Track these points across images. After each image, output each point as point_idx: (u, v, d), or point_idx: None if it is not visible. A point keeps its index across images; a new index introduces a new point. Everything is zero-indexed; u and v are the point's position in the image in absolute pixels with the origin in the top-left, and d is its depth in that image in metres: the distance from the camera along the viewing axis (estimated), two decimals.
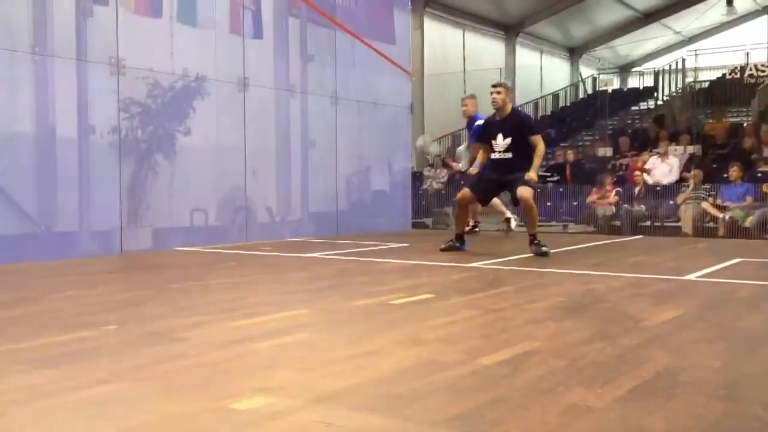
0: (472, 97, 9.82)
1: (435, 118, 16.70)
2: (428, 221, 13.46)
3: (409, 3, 13.57)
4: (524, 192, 7.12)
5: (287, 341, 3.29)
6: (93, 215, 7.66)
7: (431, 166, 15.34)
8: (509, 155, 7.31)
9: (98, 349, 3.17)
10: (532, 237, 7.22)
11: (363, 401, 2.39)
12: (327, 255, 7.38)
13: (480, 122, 8.34)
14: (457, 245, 7.65)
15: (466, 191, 7.66)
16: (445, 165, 9.12)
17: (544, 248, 7.05)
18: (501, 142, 7.36)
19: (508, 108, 7.47)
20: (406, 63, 12.11)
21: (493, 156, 7.47)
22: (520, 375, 2.68)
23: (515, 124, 7.35)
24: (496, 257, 7.01)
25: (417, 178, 14.57)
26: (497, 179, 7.47)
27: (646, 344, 3.20)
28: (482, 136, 7.75)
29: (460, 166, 8.74)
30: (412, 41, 14.78)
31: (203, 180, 8.86)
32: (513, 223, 9.42)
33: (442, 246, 7.69)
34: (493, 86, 7.48)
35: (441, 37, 17.52)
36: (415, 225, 12.44)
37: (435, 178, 14.86)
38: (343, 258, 7.15)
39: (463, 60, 18.00)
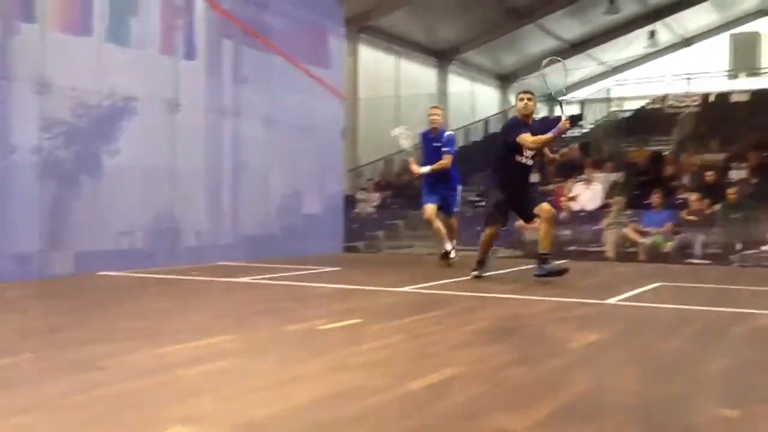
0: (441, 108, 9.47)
1: (368, 143, 16.80)
2: (360, 245, 13.49)
3: (344, 28, 13.68)
4: (548, 205, 7.12)
5: (211, 368, 3.23)
6: (11, 238, 7.38)
7: (364, 189, 15.40)
8: (531, 162, 7.15)
9: (16, 378, 3.06)
10: (545, 256, 6.97)
11: (287, 429, 2.36)
12: (257, 279, 7.30)
13: (450, 133, 8.91)
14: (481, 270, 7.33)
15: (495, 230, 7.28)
16: (407, 169, 9.06)
17: (557, 265, 7.03)
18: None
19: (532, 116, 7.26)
20: (340, 87, 12.18)
21: (519, 160, 7.02)
22: (445, 400, 2.70)
23: (540, 131, 7.06)
24: (428, 281, 7.06)
25: (349, 201, 14.60)
26: (512, 192, 7.06)
27: (567, 368, 3.28)
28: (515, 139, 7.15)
29: (427, 169, 8.59)
30: (346, 66, 14.88)
31: (130, 202, 8.65)
32: (453, 254, 8.68)
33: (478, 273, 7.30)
34: (525, 92, 7.20)
35: (375, 62, 17.68)
36: (347, 249, 12.43)
37: (368, 202, 14.93)
38: (273, 282, 7.09)
39: (397, 85, 18.21)
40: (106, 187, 8.27)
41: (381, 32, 17.40)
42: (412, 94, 17.81)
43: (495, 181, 7.20)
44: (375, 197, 15.02)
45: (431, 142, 8.67)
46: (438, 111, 8.98)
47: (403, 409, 2.59)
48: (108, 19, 8.60)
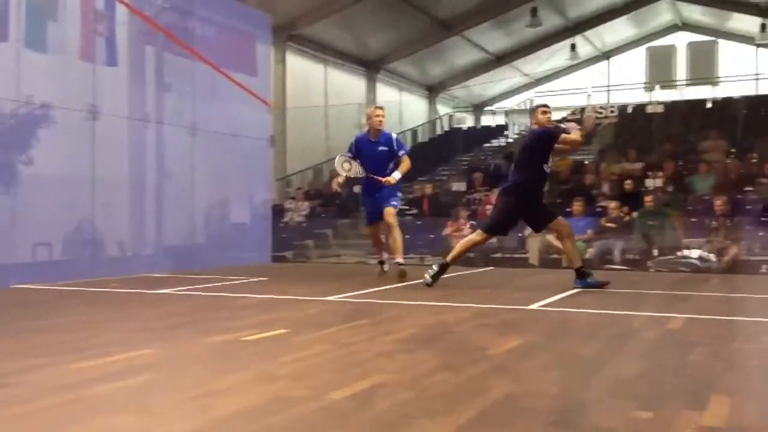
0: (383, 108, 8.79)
1: (297, 151, 16.74)
2: (289, 254, 13.40)
3: (271, 36, 13.60)
4: (565, 220, 7.49)
5: (130, 383, 3.15)
6: None
7: (293, 198, 15.32)
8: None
9: None
10: (583, 269, 7.16)
11: None
12: (181, 291, 7.16)
13: (392, 133, 8.38)
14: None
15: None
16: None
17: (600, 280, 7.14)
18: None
19: None
20: (267, 95, 12.09)
21: (545, 169, 7.10)
22: (369, 409, 2.71)
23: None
24: (355, 290, 7.07)
25: (278, 211, 14.49)
26: (529, 203, 7.09)
27: (489, 373, 3.33)
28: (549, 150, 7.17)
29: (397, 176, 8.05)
30: (273, 74, 14.79)
31: (48, 212, 8.36)
32: (386, 267, 8.57)
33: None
34: (546, 105, 7.33)
35: (303, 71, 17.65)
36: (275, 258, 12.32)
37: (296, 211, 14.86)
38: (198, 293, 6.96)
39: (325, 94, 18.21)
40: (22, 196, 7.99)
41: (309, 41, 17.38)
42: (340, 104, 17.86)
43: (516, 192, 7.07)
44: (304, 206, 14.96)
45: (374, 147, 8.13)
46: (382, 112, 8.30)
47: (327, 419, 2.58)
48: (25, 24, 8.33)
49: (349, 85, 19.24)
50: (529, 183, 7.06)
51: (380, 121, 8.16)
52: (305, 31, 16.81)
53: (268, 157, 12.54)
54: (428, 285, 7.07)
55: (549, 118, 7.23)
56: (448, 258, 7.29)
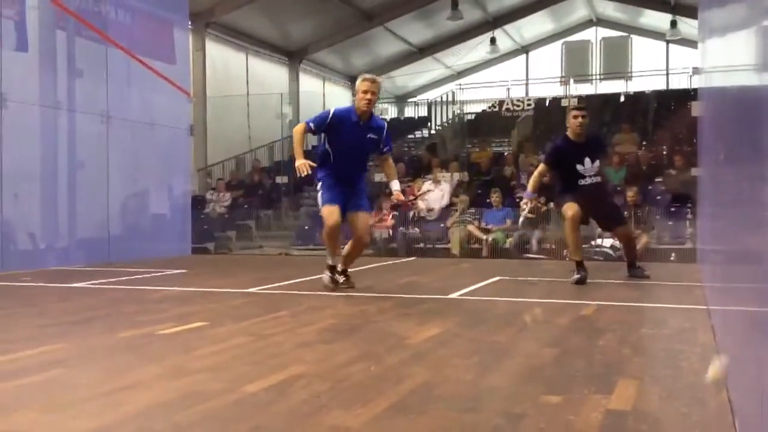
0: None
1: (218, 141, 16.44)
2: (210, 246, 13.18)
3: (189, 23, 13.29)
4: (626, 229, 7.33)
5: (37, 380, 3.04)
6: None
7: (214, 189, 15.06)
8: (599, 179, 6.88)
9: None
10: (632, 263, 7.30)
11: None
12: (95, 284, 6.94)
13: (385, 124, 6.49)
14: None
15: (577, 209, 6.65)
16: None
17: (646, 272, 7.21)
18: (590, 166, 6.78)
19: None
20: (186, 84, 11.82)
21: (582, 183, 6.77)
22: (285, 400, 2.69)
23: (597, 146, 7.01)
24: (277, 282, 7.01)
25: (199, 201, 14.22)
26: (593, 205, 6.84)
27: (407, 362, 3.36)
28: (559, 161, 6.88)
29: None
30: (193, 62, 14.47)
31: None
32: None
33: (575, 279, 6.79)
34: (581, 108, 7.02)
35: (224, 59, 17.33)
36: (196, 250, 12.10)
37: (218, 202, 14.61)
38: (113, 287, 6.77)
39: (247, 83, 17.94)
40: None
41: (229, 28, 17.08)
42: (263, 93, 17.63)
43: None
44: (226, 197, 14.72)
45: (361, 132, 6.13)
46: (375, 87, 6.16)
47: (240, 413, 2.55)
48: None
49: (271, 74, 19.01)
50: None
51: (369, 101, 6.10)
52: (225, 19, 16.49)
53: (188, 147, 12.28)
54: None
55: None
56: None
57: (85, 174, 9.94)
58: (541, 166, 7.05)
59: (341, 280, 6.31)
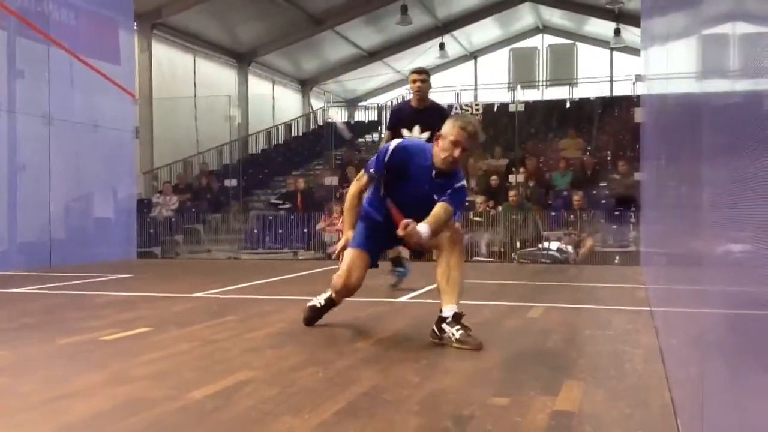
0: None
1: (165, 144, 16.16)
2: (157, 250, 12.94)
3: (135, 23, 13.06)
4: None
5: None
6: None
7: (161, 192, 14.79)
8: None
9: None
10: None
11: None
12: (35, 289, 6.74)
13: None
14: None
15: None
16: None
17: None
18: (417, 134, 6.26)
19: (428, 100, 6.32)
20: (131, 85, 11.60)
21: None
22: (231, 407, 2.65)
23: (434, 117, 5.89)
24: (224, 286, 6.92)
25: (145, 205, 13.96)
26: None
27: (355, 366, 3.35)
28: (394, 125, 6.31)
29: None
30: (138, 63, 14.21)
31: None
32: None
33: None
34: (420, 72, 6.29)
35: (170, 61, 17.06)
36: (142, 254, 11.87)
37: (165, 206, 14.35)
38: (54, 292, 6.58)
39: (194, 85, 17.69)
40: None
41: (176, 30, 16.82)
42: (210, 95, 17.41)
43: None
44: (173, 200, 14.48)
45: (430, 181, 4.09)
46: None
47: (184, 420, 2.50)
48: None
49: (219, 76, 18.79)
50: None
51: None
52: (172, 20, 16.24)
53: (133, 150, 12.05)
54: None
55: (418, 86, 6.20)
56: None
57: (26, 177, 9.67)
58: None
59: (457, 335, 3.89)
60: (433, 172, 3.98)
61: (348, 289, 4.25)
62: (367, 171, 4.13)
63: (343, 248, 4.28)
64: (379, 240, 4.27)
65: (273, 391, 2.88)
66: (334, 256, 4.56)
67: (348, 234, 4.28)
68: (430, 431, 2.39)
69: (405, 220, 3.75)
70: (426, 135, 6.06)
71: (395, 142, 4.13)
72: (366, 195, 4.30)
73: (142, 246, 12.22)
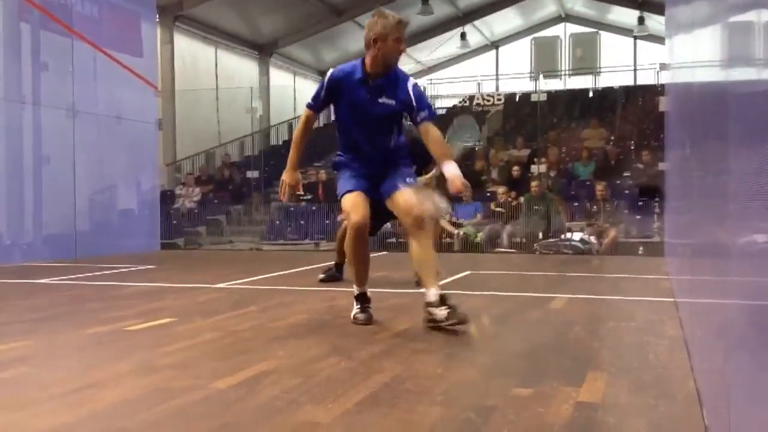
0: None
1: (187, 135, 16.25)
2: (180, 241, 13.05)
3: (157, 16, 13.12)
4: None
5: (1, 377, 2.97)
6: None
7: (183, 184, 14.90)
8: None
9: None
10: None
11: None
12: (61, 280, 6.83)
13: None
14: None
15: None
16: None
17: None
18: None
19: None
20: (154, 77, 11.67)
21: None
22: (254, 396, 2.67)
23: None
24: (247, 276, 6.96)
25: (168, 197, 14.07)
26: None
27: (377, 356, 3.36)
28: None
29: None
30: (161, 55, 14.29)
31: None
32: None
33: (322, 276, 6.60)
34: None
35: (192, 53, 17.13)
36: (165, 246, 11.97)
37: (187, 197, 14.46)
38: (79, 283, 6.66)
39: (216, 77, 17.76)
40: None
41: (198, 22, 16.88)
42: (232, 87, 17.47)
43: None
44: (195, 192, 14.58)
45: (366, 93, 4.26)
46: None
47: (208, 409, 2.52)
48: None
49: (240, 68, 18.84)
50: None
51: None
52: (194, 12, 16.30)
53: (156, 142, 12.13)
54: None
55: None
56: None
57: (50, 169, 9.78)
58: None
59: (444, 314, 3.98)
60: (370, 80, 4.17)
61: (359, 227, 4.13)
62: (308, 105, 4.35)
63: (288, 187, 4.35)
64: (363, 181, 4.28)
65: (296, 381, 2.89)
66: (278, 198, 4.67)
67: (290, 174, 4.36)
68: (453, 422, 2.39)
69: (456, 185, 3.99)
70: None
71: (330, 71, 4.30)
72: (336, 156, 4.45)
73: (166, 237, 12.32)
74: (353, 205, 4.16)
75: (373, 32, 4.14)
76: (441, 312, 3.96)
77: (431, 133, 4.13)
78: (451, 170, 4.02)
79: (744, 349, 1.61)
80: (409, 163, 4.44)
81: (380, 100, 4.20)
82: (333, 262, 6.73)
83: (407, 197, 4.15)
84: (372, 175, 4.28)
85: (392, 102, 4.20)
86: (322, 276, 6.63)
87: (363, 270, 4.36)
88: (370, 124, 4.23)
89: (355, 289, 4.42)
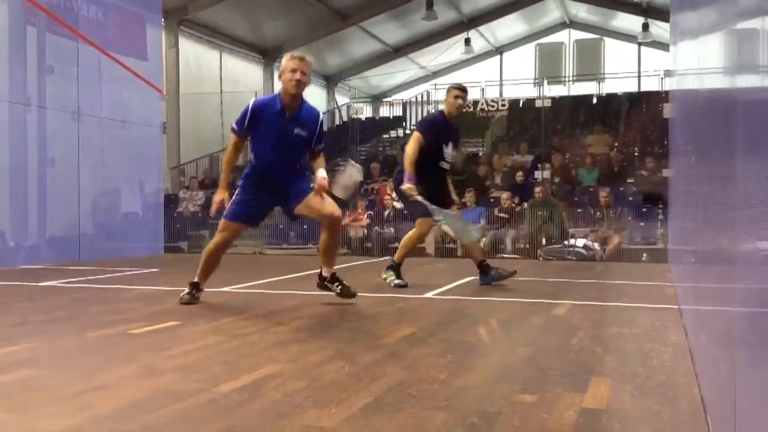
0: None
1: (191, 140, 16.29)
2: (184, 245, 13.06)
3: (162, 19, 13.16)
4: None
5: (6, 380, 2.98)
6: None
7: (187, 188, 14.91)
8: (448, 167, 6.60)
9: None
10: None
11: None
12: (65, 283, 6.84)
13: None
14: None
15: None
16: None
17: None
18: (451, 150, 6.51)
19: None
20: (159, 81, 11.69)
21: (442, 165, 6.52)
22: (258, 400, 2.67)
23: (457, 135, 6.74)
24: (251, 281, 6.97)
25: (171, 200, 14.09)
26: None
27: (381, 361, 3.36)
28: (436, 138, 6.38)
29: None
30: (166, 59, 14.32)
31: None
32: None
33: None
34: (464, 90, 6.55)
35: (197, 57, 17.17)
36: (169, 249, 11.98)
37: (191, 201, 14.48)
38: (83, 286, 6.67)
39: (221, 81, 17.80)
40: None
41: (203, 26, 16.93)
42: (236, 91, 17.50)
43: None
44: (199, 196, 14.59)
45: (284, 123, 5.03)
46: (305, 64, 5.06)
47: (213, 412, 2.53)
48: None
49: (245, 72, 18.88)
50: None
51: (299, 82, 4.96)
52: (199, 16, 16.35)
53: (160, 145, 12.15)
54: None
55: (460, 104, 6.44)
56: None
57: (55, 172, 9.80)
58: (418, 136, 6.35)
59: (338, 290, 5.24)
60: (286, 112, 5.00)
61: (218, 246, 5.32)
62: (232, 129, 5.12)
63: (217, 205, 5.17)
64: (257, 204, 5.22)
65: (299, 385, 2.90)
66: (212, 213, 5.47)
67: (222, 194, 5.15)
68: (457, 427, 2.39)
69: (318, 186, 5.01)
70: (454, 152, 6.66)
71: (252, 101, 5.11)
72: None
73: (169, 241, 12.33)
74: (227, 228, 5.23)
75: (279, 69, 5.13)
76: (335, 287, 5.24)
77: (318, 160, 5.20)
78: (321, 174, 5.09)
79: (749, 355, 1.61)
80: (309, 179, 5.28)
81: (295, 131, 5.03)
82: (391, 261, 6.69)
83: (319, 199, 5.07)
84: (276, 184, 5.12)
85: (304, 133, 5.07)
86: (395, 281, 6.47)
87: (209, 271, 5.41)
88: (284, 149, 5.05)
89: (195, 279, 5.35)
